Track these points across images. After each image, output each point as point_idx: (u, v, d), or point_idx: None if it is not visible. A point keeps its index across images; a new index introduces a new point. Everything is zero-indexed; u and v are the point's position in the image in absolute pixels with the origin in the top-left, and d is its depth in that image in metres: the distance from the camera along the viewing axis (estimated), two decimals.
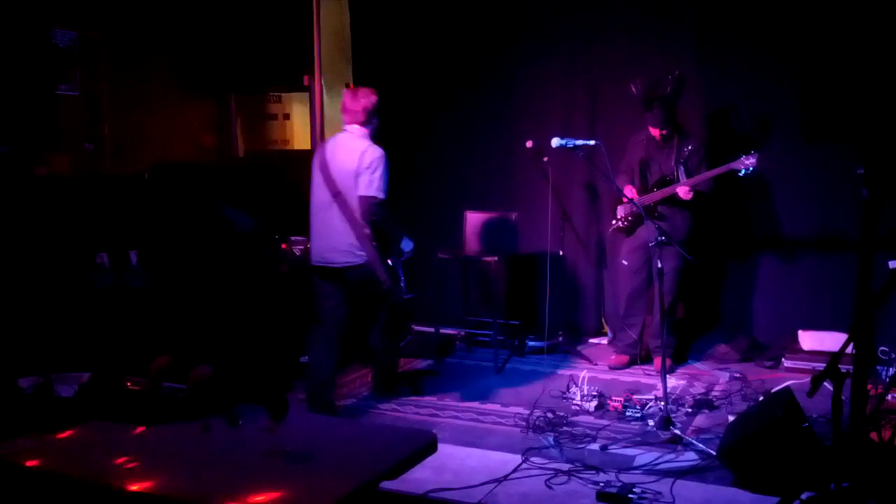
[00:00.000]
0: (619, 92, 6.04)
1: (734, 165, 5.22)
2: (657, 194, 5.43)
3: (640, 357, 5.76)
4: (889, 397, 4.59)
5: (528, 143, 5.99)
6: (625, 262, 5.72)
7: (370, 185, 4.52)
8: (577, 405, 4.88)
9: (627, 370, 5.69)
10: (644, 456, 4.14)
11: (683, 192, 5.32)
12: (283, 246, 6.05)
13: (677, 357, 5.78)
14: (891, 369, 4.93)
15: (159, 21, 6.29)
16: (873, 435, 3.61)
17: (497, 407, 4.99)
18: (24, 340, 4.75)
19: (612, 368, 5.71)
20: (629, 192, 5.44)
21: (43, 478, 2.79)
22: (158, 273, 5.48)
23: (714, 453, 4.01)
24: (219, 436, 3.05)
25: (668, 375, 4.59)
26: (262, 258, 5.91)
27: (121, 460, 2.82)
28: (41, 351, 4.62)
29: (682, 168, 5.45)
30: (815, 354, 5.46)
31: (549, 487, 3.80)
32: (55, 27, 5.53)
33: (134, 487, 2.63)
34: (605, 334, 6.48)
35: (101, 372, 3.51)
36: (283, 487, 2.59)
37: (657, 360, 5.56)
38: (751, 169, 5.18)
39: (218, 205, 5.75)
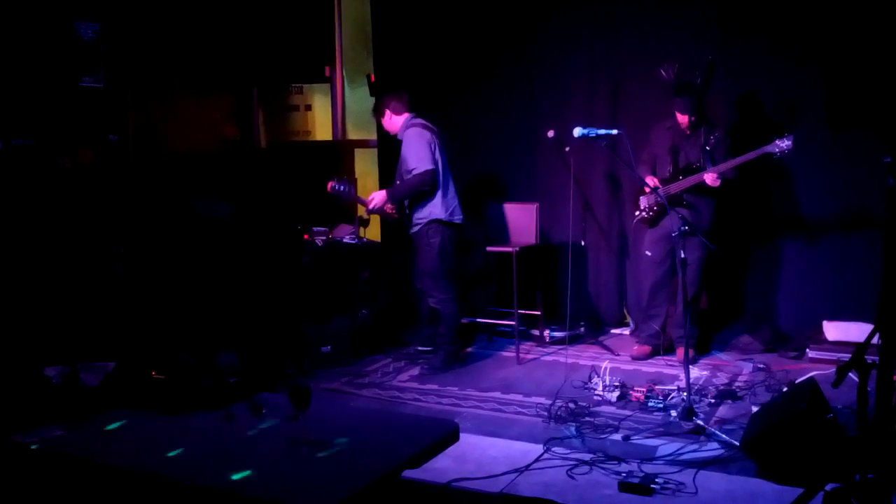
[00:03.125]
0: (642, 80, 6.00)
1: (768, 149, 5.12)
2: (683, 182, 5.39)
3: (662, 348, 5.73)
4: None
5: (550, 133, 5.97)
6: (648, 253, 5.69)
7: None
8: (599, 395, 4.87)
9: (650, 361, 5.67)
10: (667, 446, 4.12)
11: (711, 179, 5.26)
12: (306, 237, 6.07)
13: (700, 348, 5.75)
14: None
15: (182, 13, 6.32)
16: None
17: (519, 397, 4.99)
18: (50, 330, 4.81)
19: (635, 359, 5.70)
20: (651, 182, 5.40)
21: (69, 465, 2.82)
22: (143, 267, 5.54)
23: (737, 444, 3.99)
24: (242, 424, 3.07)
25: (691, 366, 4.56)
26: (292, 251, 5.94)
27: (145, 448, 2.85)
28: (67, 340, 4.67)
29: (707, 156, 5.40)
30: (839, 345, 5.41)
31: (572, 477, 3.79)
32: (78, 20, 5.57)
33: (158, 475, 2.66)
34: (627, 325, 6.46)
35: (126, 361, 3.55)
36: (306, 476, 2.61)
37: (680, 351, 5.53)
38: (786, 152, 5.11)
39: (189, 200, 5.81)
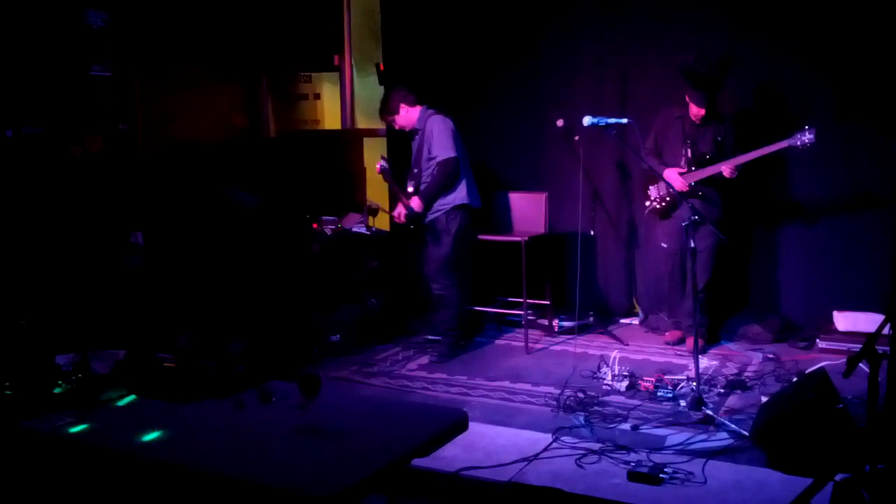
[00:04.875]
0: (651, 69, 5.98)
1: (790, 142, 5.09)
2: (699, 173, 5.39)
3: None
4: None
5: (559, 122, 5.94)
6: (664, 245, 5.68)
7: None
8: (607, 385, 4.87)
9: (659, 350, 5.66)
10: (676, 436, 4.12)
11: (728, 171, 5.26)
12: (315, 225, 6.08)
13: (710, 337, 5.74)
14: None
15: (191, 1, 6.31)
16: None
17: (527, 386, 5.00)
18: (61, 318, 4.82)
19: (669, 344, 5.71)
20: (672, 172, 5.39)
21: (80, 452, 2.84)
22: (160, 254, 5.56)
23: (746, 434, 3.99)
24: (252, 412, 3.08)
25: (700, 356, 4.55)
26: (300, 239, 5.95)
27: (155, 436, 2.86)
28: (78, 328, 4.69)
29: (720, 148, 5.40)
30: (849, 335, 5.39)
31: (580, 467, 3.80)
32: (87, 8, 5.57)
33: (167, 462, 2.67)
34: (636, 314, 6.44)
35: (136, 349, 3.56)
36: (315, 464, 2.61)
37: (690, 340, 5.54)
38: (808, 145, 5.07)
39: (219, 186, 5.82)
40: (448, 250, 5.51)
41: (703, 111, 5.37)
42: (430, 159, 5.46)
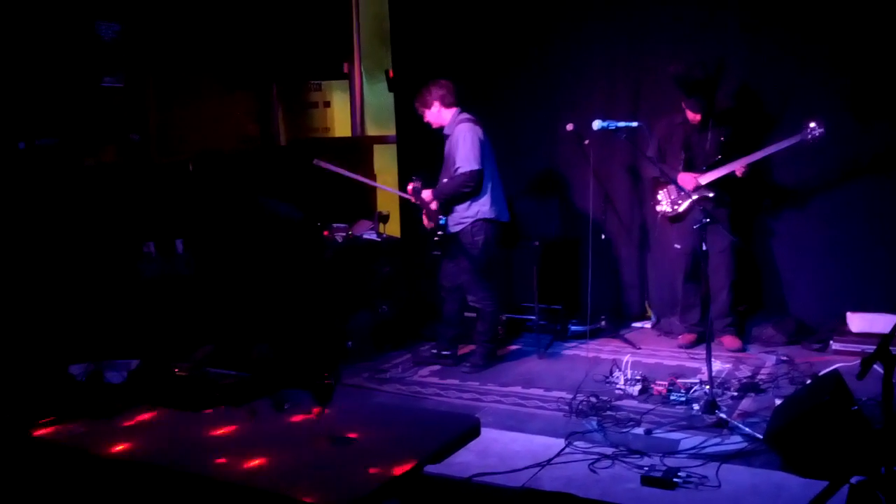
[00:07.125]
0: (662, 72, 5.96)
1: (800, 137, 5.09)
2: (711, 174, 5.39)
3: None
4: None
5: (569, 126, 5.93)
6: (677, 246, 5.67)
7: None
8: (620, 389, 4.86)
9: (672, 353, 5.64)
10: (689, 440, 4.10)
11: (741, 170, 5.28)
12: (326, 233, 6.09)
13: (739, 333, 5.73)
14: None
15: (201, 12, 6.35)
16: None
17: (540, 391, 4.99)
18: (75, 328, 4.85)
19: (681, 347, 5.70)
20: (685, 176, 5.39)
21: (92, 461, 2.85)
22: (205, 261, 5.56)
23: (761, 437, 3.97)
24: (265, 420, 3.09)
25: (713, 359, 4.54)
26: (315, 246, 5.95)
27: (169, 444, 2.87)
28: (91, 338, 4.72)
29: (726, 149, 5.40)
30: (863, 337, 5.36)
31: (594, 472, 3.79)
32: (99, 20, 5.62)
33: (181, 469, 2.69)
34: (648, 318, 6.43)
35: (149, 359, 3.58)
36: (329, 471, 2.62)
37: (724, 339, 5.61)
38: (818, 138, 5.05)
39: (259, 197, 5.82)
40: (477, 262, 5.35)
41: (697, 116, 5.39)
42: (455, 170, 5.27)
